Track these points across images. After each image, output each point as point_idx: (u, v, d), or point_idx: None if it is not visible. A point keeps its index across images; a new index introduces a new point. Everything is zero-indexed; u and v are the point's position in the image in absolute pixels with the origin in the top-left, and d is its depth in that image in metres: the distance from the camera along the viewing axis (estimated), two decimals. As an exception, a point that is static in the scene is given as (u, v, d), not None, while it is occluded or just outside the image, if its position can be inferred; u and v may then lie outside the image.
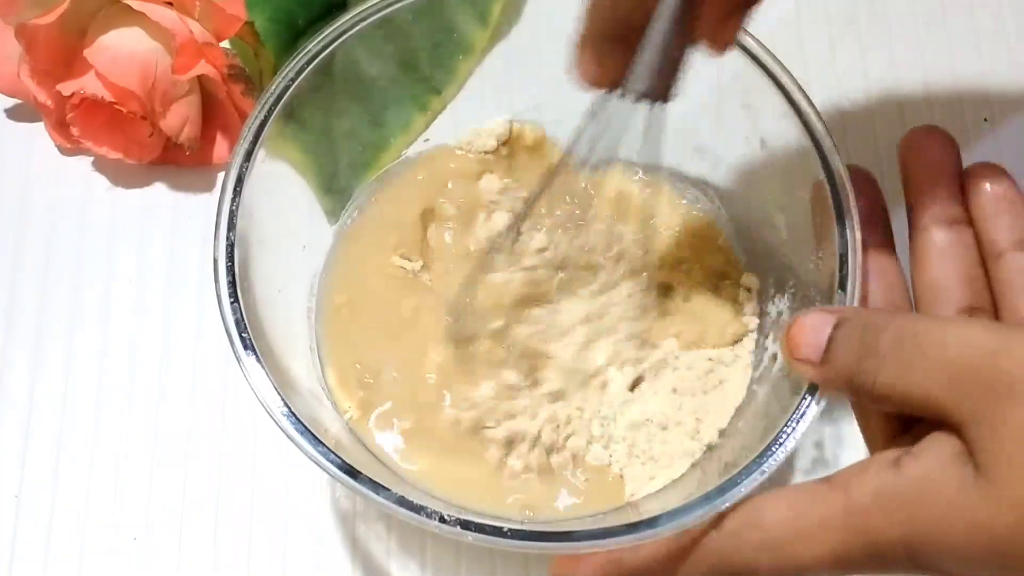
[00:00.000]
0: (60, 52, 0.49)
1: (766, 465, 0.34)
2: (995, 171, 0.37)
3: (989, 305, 0.37)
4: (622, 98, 0.35)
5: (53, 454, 0.46)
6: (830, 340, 0.34)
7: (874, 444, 0.35)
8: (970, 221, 0.37)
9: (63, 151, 0.51)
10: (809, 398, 0.35)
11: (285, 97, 0.40)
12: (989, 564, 0.30)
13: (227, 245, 0.37)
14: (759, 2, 0.34)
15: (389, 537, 0.44)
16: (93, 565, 0.44)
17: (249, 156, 0.39)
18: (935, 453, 0.31)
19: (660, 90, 0.34)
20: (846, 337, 0.33)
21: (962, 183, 0.37)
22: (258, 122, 0.39)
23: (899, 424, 0.34)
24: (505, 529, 0.33)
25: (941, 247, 0.37)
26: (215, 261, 0.37)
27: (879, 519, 0.31)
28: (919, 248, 0.37)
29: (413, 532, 0.44)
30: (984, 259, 0.37)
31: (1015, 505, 0.29)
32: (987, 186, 0.37)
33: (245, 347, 0.36)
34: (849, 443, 0.46)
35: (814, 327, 0.34)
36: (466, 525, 0.33)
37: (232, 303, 0.36)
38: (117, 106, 0.48)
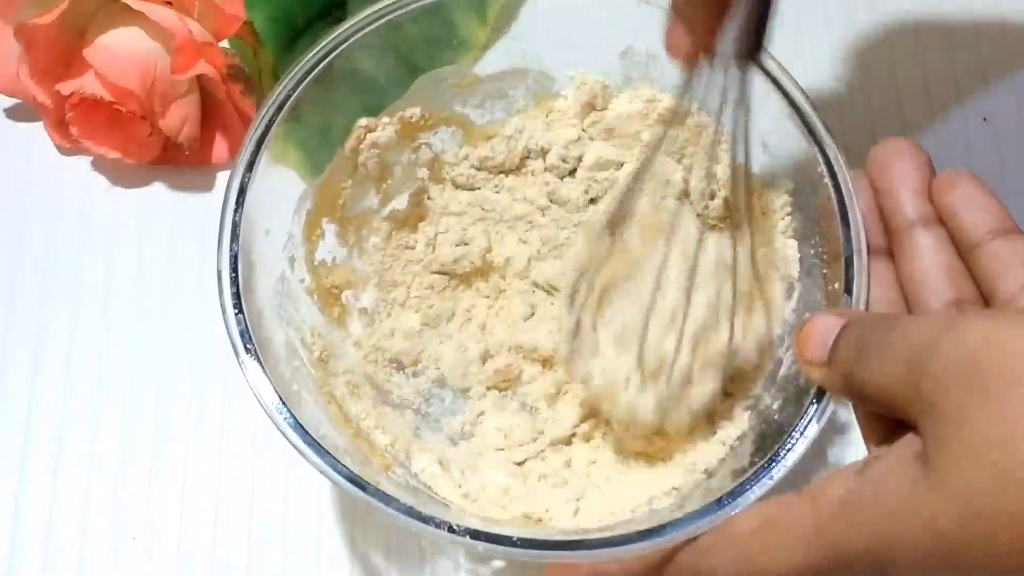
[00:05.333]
0: (59, 52, 0.49)
1: (775, 470, 0.34)
2: (962, 174, 0.38)
3: (975, 296, 0.37)
4: (712, 65, 0.34)
5: (53, 454, 0.46)
6: (835, 342, 0.34)
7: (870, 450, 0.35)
8: (942, 221, 0.38)
9: (62, 151, 0.51)
10: (816, 404, 0.35)
11: (286, 106, 0.40)
12: (943, 569, 0.27)
13: (231, 256, 0.37)
14: None
15: (388, 537, 0.44)
16: (93, 565, 0.44)
17: (251, 167, 0.39)
18: (896, 453, 0.29)
19: (752, 47, 0.34)
20: (847, 339, 0.33)
21: (931, 190, 0.38)
22: (259, 132, 0.39)
23: (890, 428, 0.32)
24: (515, 538, 0.33)
25: (920, 245, 0.37)
26: (219, 273, 0.37)
27: (843, 528, 0.30)
28: (899, 249, 0.38)
29: (411, 533, 0.44)
30: (961, 252, 0.37)
31: (956, 498, 0.27)
32: (955, 186, 0.37)
33: (249, 354, 0.36)
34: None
35: (823, 329, 0.34)
36: (476, 535, 0.33)
37: (237, 314, 0.36)
38: (116, 106, 0.48)
